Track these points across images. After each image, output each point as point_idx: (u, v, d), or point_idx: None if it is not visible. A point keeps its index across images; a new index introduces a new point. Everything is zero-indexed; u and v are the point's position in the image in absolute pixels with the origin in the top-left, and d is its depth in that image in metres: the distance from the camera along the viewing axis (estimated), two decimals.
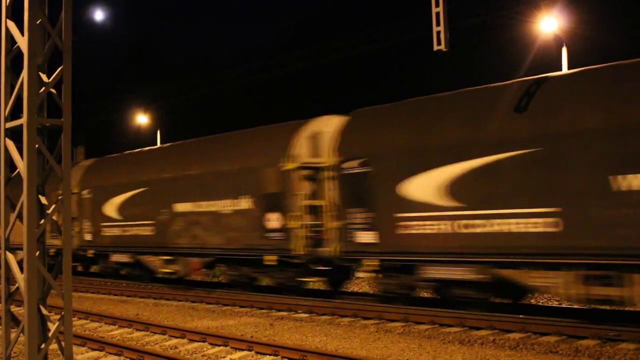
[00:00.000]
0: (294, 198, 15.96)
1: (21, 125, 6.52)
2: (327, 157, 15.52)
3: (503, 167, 12.18)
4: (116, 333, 12.85)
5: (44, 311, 6.52)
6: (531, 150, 11.82)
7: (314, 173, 15.89)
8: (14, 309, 6.99)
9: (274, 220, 16.53)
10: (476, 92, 13.83)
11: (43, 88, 6.55)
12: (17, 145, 6.75)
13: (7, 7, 6.79)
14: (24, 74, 6.49)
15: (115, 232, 22.16)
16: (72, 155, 7.04)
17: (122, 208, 21.96)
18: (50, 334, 6.52)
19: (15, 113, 6.77)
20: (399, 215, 13.69)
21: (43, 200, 6.59)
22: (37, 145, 6.50)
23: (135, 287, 20.90)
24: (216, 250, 18.37)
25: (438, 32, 12.85)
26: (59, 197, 6.62)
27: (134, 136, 37.05)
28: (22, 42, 6.55)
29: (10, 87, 6.82)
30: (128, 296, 19.18)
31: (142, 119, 37.53)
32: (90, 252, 23.63)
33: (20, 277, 6.50)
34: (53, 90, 6.61)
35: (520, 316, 12.50)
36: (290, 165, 16.09)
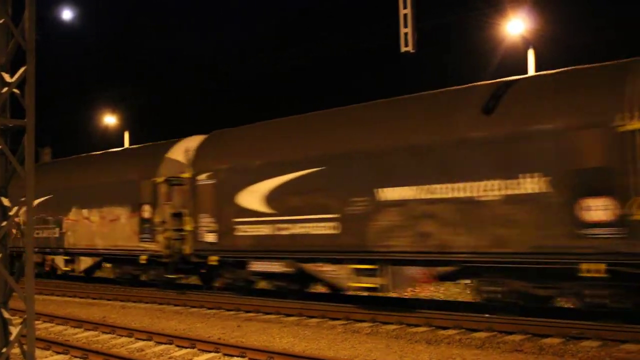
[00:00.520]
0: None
1: None
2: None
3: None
4: (82, 336, 12.70)
5: (6, 314, 6.44)
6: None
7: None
8: None
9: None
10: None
11: (6, 88, 6.47)
12: None
13: None
14: None
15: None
16: (36, 156, 6.95)
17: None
18: (12, 338, 6.44)
19: None
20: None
21: (5, 202, 6.50)
22: None
23: (102, 289, 20.66)
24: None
25: (405, 34, 12.97)
26: (22, 199, 6.53)
27: (102, 136, 36.65)
28: None
29: None
30: (94, 299, 18.95)
31: (109, 119, 37.15)
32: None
33: None
34: (16, 90, 6.53)
35: (486, 315, 12.67)
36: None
